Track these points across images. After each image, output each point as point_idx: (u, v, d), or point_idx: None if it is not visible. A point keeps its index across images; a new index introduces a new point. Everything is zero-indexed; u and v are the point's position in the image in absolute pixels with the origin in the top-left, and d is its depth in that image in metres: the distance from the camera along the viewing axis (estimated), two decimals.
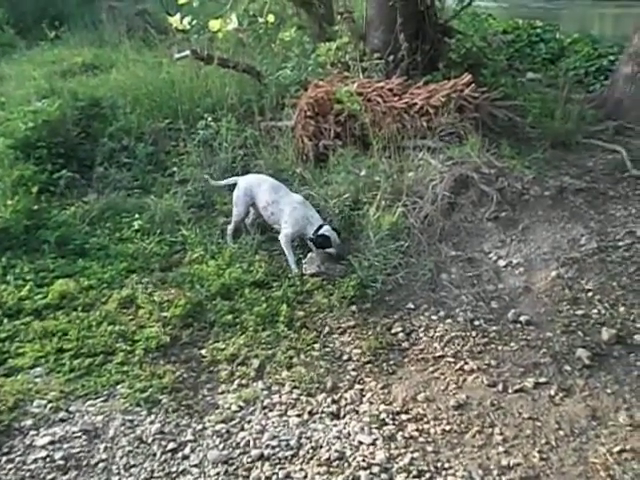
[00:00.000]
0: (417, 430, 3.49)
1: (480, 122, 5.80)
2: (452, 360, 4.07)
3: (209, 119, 6.43)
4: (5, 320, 4.19)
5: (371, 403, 3.69)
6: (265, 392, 3.75)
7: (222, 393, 3.74)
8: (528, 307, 4.51)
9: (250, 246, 5.20)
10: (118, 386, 3.68)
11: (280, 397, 3.71)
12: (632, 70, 6.38)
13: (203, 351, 4.07)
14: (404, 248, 5.01)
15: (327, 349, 4.15)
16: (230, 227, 5.39)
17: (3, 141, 5.79)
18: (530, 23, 9.67)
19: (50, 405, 3.48)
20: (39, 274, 4.70)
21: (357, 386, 3.84)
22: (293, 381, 3.83)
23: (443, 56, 6.87)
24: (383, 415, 3.59)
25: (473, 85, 5.89)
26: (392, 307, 4.62)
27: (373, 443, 3.38)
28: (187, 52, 6.93)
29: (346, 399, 3.72)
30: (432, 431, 3.50)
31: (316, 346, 4.16)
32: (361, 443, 3.38)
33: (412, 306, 4.62)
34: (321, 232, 4.91)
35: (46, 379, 3.70)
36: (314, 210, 5.13)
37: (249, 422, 3.50)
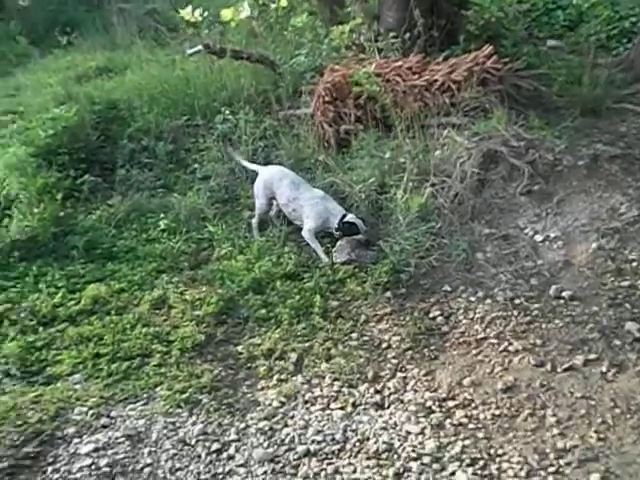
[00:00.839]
0: (466, 416, 3.37)
1: (505, 94, 5.60)
2: (495, 342, 3.93)
3: (227, 112, 6.33)
4: (40, 328, 4.15)
5: (415, 391, 3.57)
6: (305, 386, 3.65)
7: (262, 389, 3.66)
8: (570, 282, 4.34)
9: (278, 238, 5.10)
10: (157, 388, 3.62)
11: (321, 390, 3.61)
12: None
13: (239, 347, 3.99)
14: (435, 229, 4.86)
15: (365, 338, 4.03)
16: (255, 220, 5.29)
17: (25, 150, 5.74)
18: None
19: (91, 412, 3.42)
20: (70, 280, 4.66)
21: (399, 374, 3.72)
22: (333, 373, 3.72)
23: (460, 29, 6.63)
24: (429, 403, 3.47)
25: (495, 57, 5.67)
26: (428, 291, 4.48)
27: (421, 432, 3.26)
28: (199, 47, 6.81)
29: (389, 388, 3.61)
30: (481, 416, 3.37)
31: (353, 335, 4.05)
32: (409, 433, 3.27)
33: (448, 288, 4.47)
34: (346, 220, 4.80)
35: (85, 385, 3.65)
36: (335, 202, 5.02)
37: (292, 418, 3.41)
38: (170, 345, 3.96)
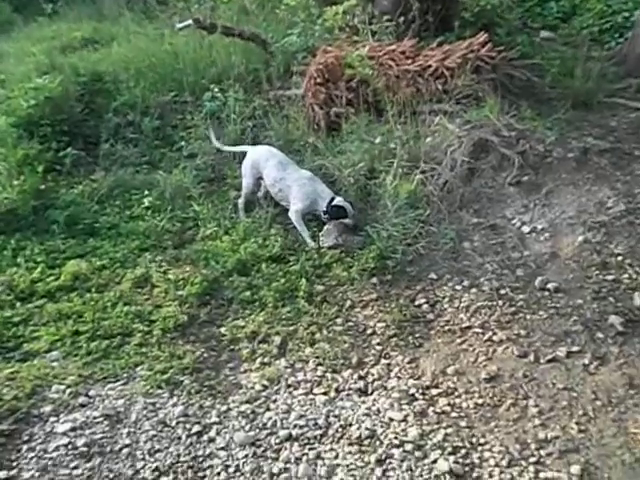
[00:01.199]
0: (449, 405, 3.36)
1: (498, 83, 5.56)
2: (480, 331, 3.92)
3: (215, 90, 6.21)
4: (18, 304, 4.04)
5: (399, 378, 3.55)
6: (289, 370, 3.61)
7: (244, 372, 3.61)
8: (555, 274, 4.33)
9: (264, 220, 5.03)
10: (137, 368, 3.55)
11: (305, 375, 3.57)
12: None
13: (222, 329, 3.93)
14: (423, 217, 4.82)
15: (350, 323, 4.00)
16: (241, 200, 5.21)
17: (5, 120, 5.58)
18: None
19: (69, 390, 3.35)
20: (50, 255, 4.55)
21: (383, 361, 3.70)
22: (317, 358, 3.69)
23: (455, 16, 6.55)
24: (412, 390, 3.45)
25: (489, 45, 5.61)
26: (414, 278, 4.45)
27: (404, 419, 3.25)
28: (189, 21, 6.66)
29: (373, 375, 3.58)
30: (464, 405, 3.36)
31: (338, 321, 4.01)
32: (392, 420, 3.25)
33: (435, 276, 4.45)
34: (335, 203, 4.76)
35: (63, 363, 3.56)
36: (324, 185, 4.97)
37: (274, 402, 3.37)
38: (152, 325, 3.89)
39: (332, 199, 4.81)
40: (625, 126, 5.45)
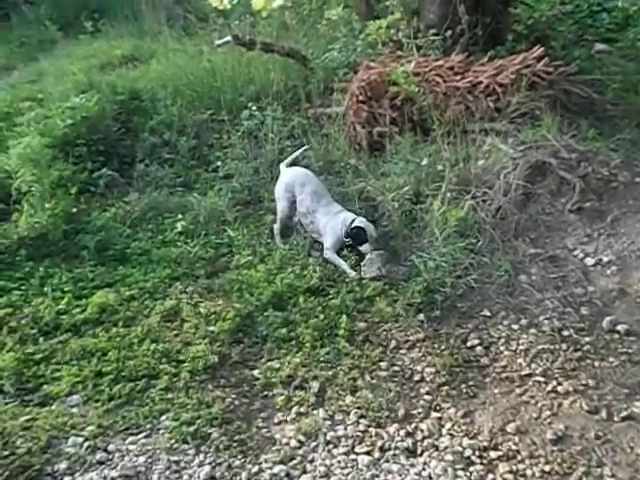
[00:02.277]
0: (510, 472, 2.87)
1: (555, 101, 5.04)
2: (542, 380, 3.42)
3: (253, 108, 5.88)
4: (41, 339, 3.73)
5: (452, 436, 3.08)
6: (328, 422, 3.18)
7: (279, 424, 3.19)
8: (625, 314, 3.81)
9: (302, 247, 4.63)
10: (162, 417, 3.17)
11: (345, 429, 3.14)
12: None
13: (256, 372, 3.53)
14: (475, 246, 4.36)
15: (395, 368, 3.55)
16: (277, 226, 4.83)
17: (40, 140, 5.34)
18: None
19: (87, 443, 2.98)
20: (78, 284, 4.24)
21: (434, 414, 3.23)
22: (359, 408, 3.25)
23: (506, 29, 6.09)
24: (468, 452, 2.98)
25: (546, 59, 5.12)
26: (465, 315, 3.98)
27: None
28: (228, 37, 6.37)
29: (422, 431, 3.12)
30: (529, 473, 2.87)
31: (382, 364, 3.57)
32: None
33: (488, 313, 3.97)
34: (355, 224, 4.36)
35: (83, 409, 3.21)
36: (351, 212, 4.58)
37: (311, 462, 2.95)
38: (180, 366, 3.51)
39: (353, 220, 4.43)
40: None
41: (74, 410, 3.20)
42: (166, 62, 7.08)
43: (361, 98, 5.50)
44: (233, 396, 3.35)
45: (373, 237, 4.37)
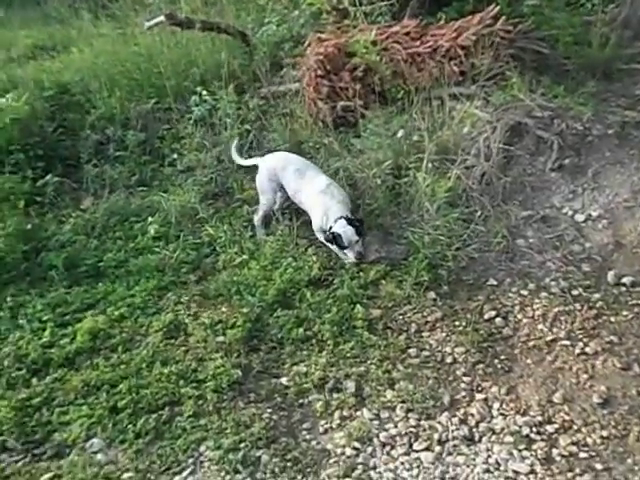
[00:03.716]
0: (573, 443, 2.83)
1: (516, 59, 4.96)
2: (568, 343, 3.40)
3: (204, 93, 5.39)
4: (33, 380, 3.26)
5: (504, 416, 2.99)
6: (376, 423, 3.00)
7: (326, 433, 2.97)
8: (626, 265, 3.86)
9: (288, 236, 4.33)
10: (201, 447, 2.86)
11: (396, 426, 2.97)
12: None
13: (284, 380, 3.26)
14: (467, 216, 4.23)
15: (425, 353, 3.40)
16: (258, 217, 4.50)
17: None
18: None
19: None
20: (56, 310, 3.76)
21: (478, 395, 3.12)
22: (403, 402, 3.09)
23: None
24: (526, 430, 2.90)
25: (503, 18, 5.01)
26: (473, 287, 3.90)
27: (531, 471, 2.70)
28: (161, 18, 5.78)
29: (473, 415, 3.01)
30: (589, 441, 2.84)
31: (411, 351, 3.41)
32: (517, 474, 2.69)
33: (495, 282, 3.91)
34: (334, 229, 3.97)
35: (110, 454, 2.84)
36: (337, 197, 4.16)
37: (374, 469, 2.76)
38: (201, 386, 3.18)
39: (335, 220, 4.00)
40: None
41: (99, 457, 2.81)
42: (90, 49, 6.37)
43: (320, 73, 5.18)
44: (269, 410, 3.08)
45: (353, 241, 3.94)
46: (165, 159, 5.28)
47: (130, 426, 2.96)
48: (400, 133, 4.70)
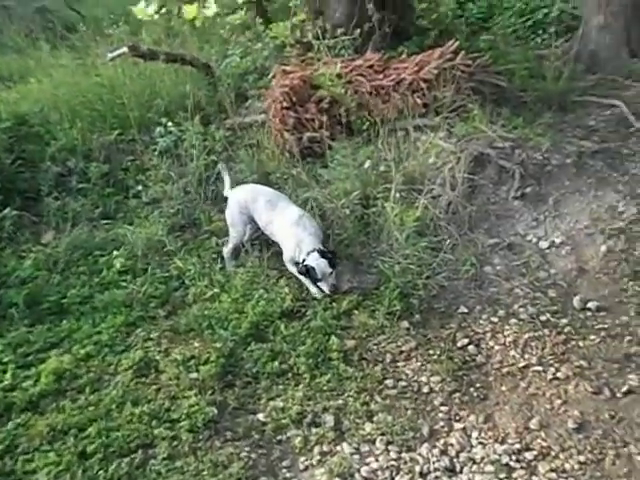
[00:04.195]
0: (552, 470, 2.84)
1: (475, 92, 5.12)
2: (540, 369, 3.44)
3: (169, 124, 5.35)
4: None
5: (483, 445, 2.99)
6: (356, 457, 2.95)
7: (306, 469, 2.90)
8: (590, 290, 3.96)
9: (259, 268, 4.28)
10: None
11: (377, 460, 2.93)
12: (605, 20, 5.89)
13: (260, 416, 3.18)
14: (435, 244, 4.28)
15: (402, 383, 3.39)
16: (228, 249, 4.44)
17: None
18: None
19: None
20: (17, 351, 3.58)
21: (457, 425, 3.12)
22: (383, 434, 3.05)
23: (410, 25, 6.10)
24: (505, 458, 2.91)
25: (462, 52, 5.18)
26: (444, 314, 3.92)
27: None
28: (124, 49, 5.73)
29: (453, 445, 2.99)
30: (567, 467, 2.86)
31: (388, 382, 3.39)
32: None
33: (465, 310, 3.94)
34: (307, 262, 3.92)
35: None
36: (309, 229, 4.11)
37: None
38: (175, 426, 3.07)
39: (308, 253, 3.96)
40: (604, 124, 5.20)
41: None
42: (50, 80, 6.24)
43: (285, 104, 5.21)
44: (247, 449, 2.99)
45: (326, 274, 3.89)
46: (129, 191, 5.19)
47: (101, 472, 2.81)
48: (367, 164, 4.76)
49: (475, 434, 3.05)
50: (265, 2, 7.02)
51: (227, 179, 4.62)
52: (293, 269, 4.15)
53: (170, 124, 5.32)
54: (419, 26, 6.07)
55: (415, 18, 6.06)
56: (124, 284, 4.15)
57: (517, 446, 2.96)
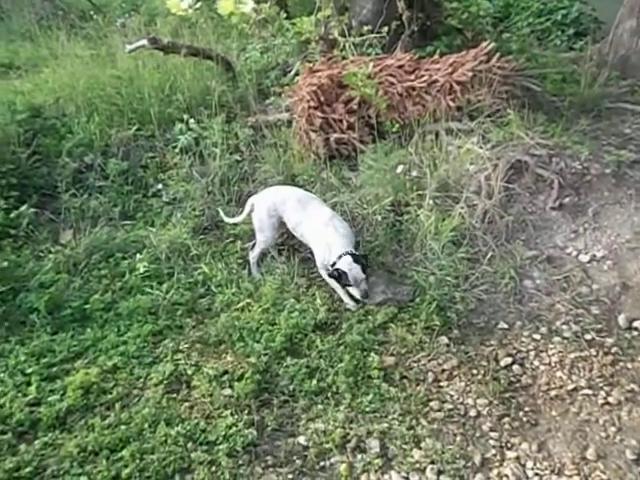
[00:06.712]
0: None
1: (510, 96, 4.89)
2: (590, 392, 3.26)
3: (191, 121, 5.09)
4: (21, 446, 2.84)
5: (539, 476, 2.80)
6: None
7: None
8: (635, 308, 3.77)
9: (288, 275, 4.07)
10: None
11: None
12: (638, 24, 5.67)
13: (301, 439, 2.97)
14: (471, 255, 4.08)
15: (447, 405, 3.19)
16: (254, 255, 4.21)
17: None
18: None
19: None
20: (41, 361, 3.34)
21: (509, 453, 2.93)
22: (432, 463, 2.85)
23: (438, 24, 5.86)
24: None
25: (498, 54, 4.95)
26: (484, 330, 3.73)
27: None
28: (143, 41, 5.47)
29: (508, 477, 2.80)
30: None
31: (433, 404, 3.18)
32: None
33: (505, 325, 3.75)
34: (338, 265, 3.70)
35: None
36: (340, 231, 3.88)
37: None
38: (213, 449, 2.86)
39: (340, 256, 3.73)
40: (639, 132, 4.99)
41: None
42: (63, 71, 5.95)
43: (312, 104, 4.97)
44: (290, 476, 2.78)
45: (359, 280, 3.67)
46: (149, 189, 4.95)
47: None
48: (400, 169, 4.53)
49: (530, 464, 2.86)
50: None
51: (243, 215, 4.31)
52: (324, 273, 3.94)
53: (192, 121, 5.06)
54: (448, 25, 5.81)
55: (445, 18, 5.78)
56: (148, 290, 3.91)
57: (576, 479, 2.77)
